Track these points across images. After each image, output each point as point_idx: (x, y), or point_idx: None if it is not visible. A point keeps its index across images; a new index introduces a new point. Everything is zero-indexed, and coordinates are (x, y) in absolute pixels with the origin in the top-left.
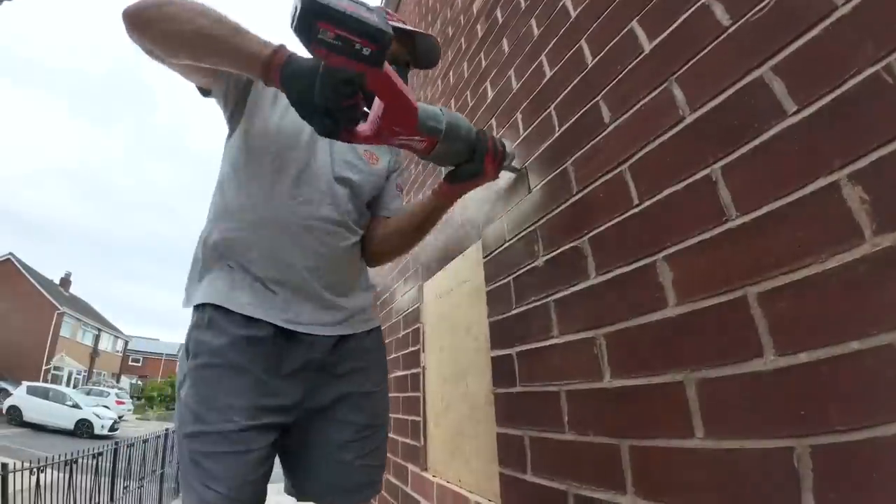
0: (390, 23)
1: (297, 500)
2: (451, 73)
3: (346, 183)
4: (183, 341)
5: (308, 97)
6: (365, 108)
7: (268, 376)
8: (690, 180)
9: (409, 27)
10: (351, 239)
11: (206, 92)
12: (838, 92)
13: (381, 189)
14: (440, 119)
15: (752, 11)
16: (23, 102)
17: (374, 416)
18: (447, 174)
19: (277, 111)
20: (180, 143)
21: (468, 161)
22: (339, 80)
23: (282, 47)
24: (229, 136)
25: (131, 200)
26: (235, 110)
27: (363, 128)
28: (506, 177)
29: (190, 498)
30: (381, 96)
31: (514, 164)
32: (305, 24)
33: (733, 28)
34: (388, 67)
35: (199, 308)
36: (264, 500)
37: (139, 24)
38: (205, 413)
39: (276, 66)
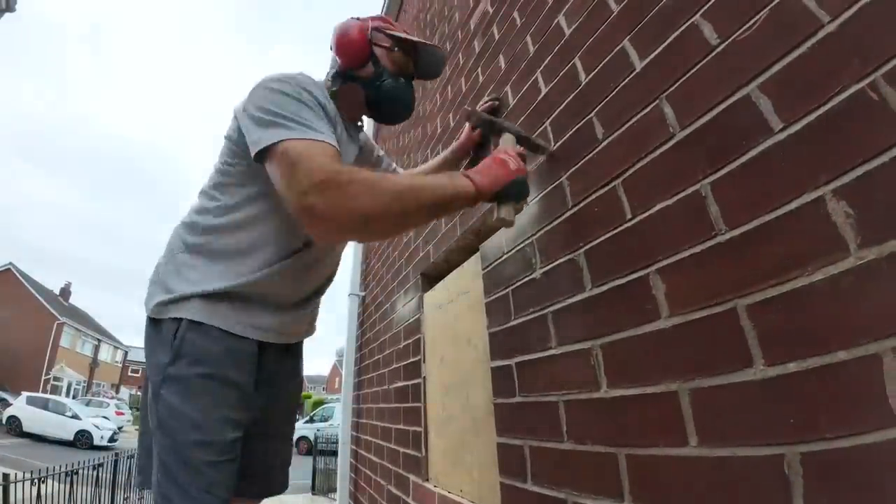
0: (393, 34)
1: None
2: (449, 88)
3: None
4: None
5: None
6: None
7: (250, 389)
8: (681, 195)
9: (412, 38)
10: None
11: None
12: (824, 109)
13: None
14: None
15: (740, 30)
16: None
17: (292, 423)
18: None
19: None
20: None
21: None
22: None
23: (468, 177)
24: (250, 172)
25: (131, 204)
26: None
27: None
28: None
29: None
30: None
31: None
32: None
33: (721, 47)
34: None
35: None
36: None
37: (333, 225)
38: (208, 423)
39: (485, 193)
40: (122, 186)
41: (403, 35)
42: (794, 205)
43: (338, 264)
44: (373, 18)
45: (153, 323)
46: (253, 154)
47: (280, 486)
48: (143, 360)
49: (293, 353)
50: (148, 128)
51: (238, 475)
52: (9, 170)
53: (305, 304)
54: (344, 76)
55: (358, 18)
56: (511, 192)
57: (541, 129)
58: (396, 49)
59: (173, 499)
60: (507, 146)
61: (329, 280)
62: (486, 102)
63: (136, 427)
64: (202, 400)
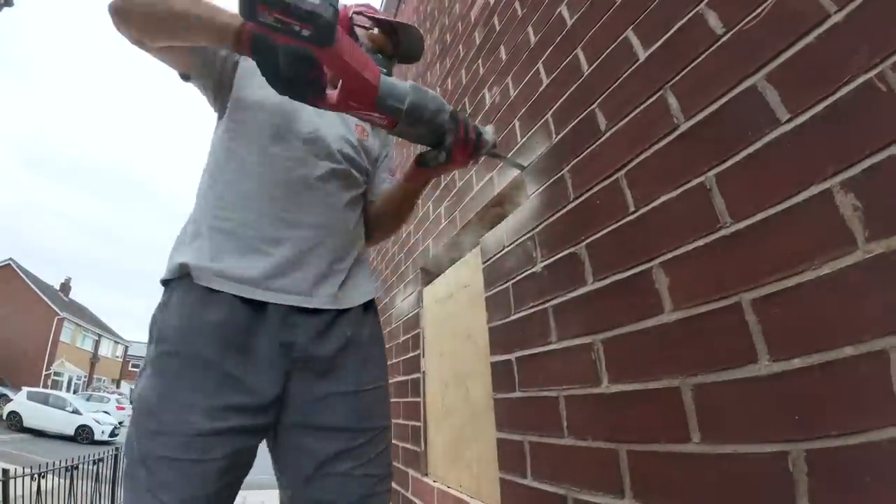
0: (372, 15)
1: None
2: (449, 80)
3: (344, 143)
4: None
5: (274, 67)
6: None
7: (237, 369)
8: (685, 188)
9: (391, 19)
10: (355, 190)
11: (185, 77)
12: (831, 100)
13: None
14: (403, 99)
15: (746, 20)
16: None
17: (370, 417)
18: (416, 157)
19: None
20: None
21: (437, 146)
22: (295, 56)
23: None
24: (219, 119)
25: (132, 203)
26: (220, 89)
27: (330, 94)
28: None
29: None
30: (335, 73)
31: (496, 150)
32: (246, 7)
33: (727, 36)
34: (342, 45)
35: (165, 285)
36: None
37: (122, 14)
38: (161, 410)
39: (246, 37)
40: (121, 189)
41: (380, 16)
42: (800, 197)
43: (332, 201)
44: (357, 5)
45: None
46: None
47: (359, 501)
48: (144, 355)
49: (338, 321)
50: (150, 131)
51: (283, 487)
52: (9, 173)
53: (286, 242)
54: None
55: (344, 6)
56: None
57: (542, 120)
58: (375, 29)
59: (125, 492)
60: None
61: (321, 219)
62: None
63: None
64: (161, 382)
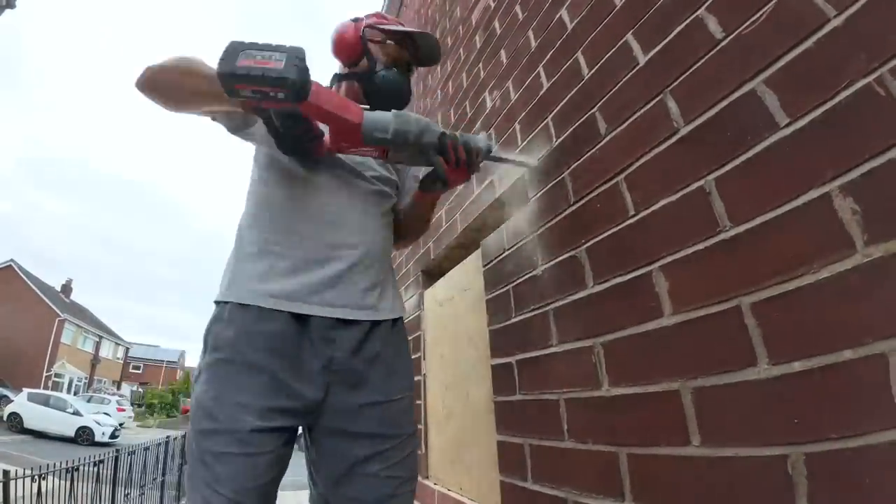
0: (384, 27)
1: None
2: (450, 84)
3: (374, 163)
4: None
5: (275, 129)
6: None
7: (285, 375)
8: (685, 191)
9: (405, 28)
10: (388, 204)
11: (233, 130)
12: (830, 104)
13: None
14: (387, 129)
15: (745, 24)
16: None
17: (397, 425)
18: (420, 180)
19: None
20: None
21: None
22: (283, 116)
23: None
24: (260, 164)
25: (135, 210)
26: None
27: (325, 139)
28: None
29: (194, 499)
30: (320, 121)
31: (497, 154)
32: (227, 88)
33: (726, 41)
34: (318, 96)
35: (220, 301)
36: None
37: (149, 93)
38: (217, 411)
39: (247, 107)
40: (124, 197)
41: (393, 27)
42: (800, 201)
43: (369, 221)
44: (368, 16)
45: None
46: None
47: (384, 499)
48: (145, 357)
49: (370, 337)
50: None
51: (314, 482)
52: (10, 178)
53: (330, 261)
54: (344, 75)
55: (355, 19)
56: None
57: (542, 124)
58: (388, 41)
59: (188, 492)
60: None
61: (360, 238)
62: None
63: (138, 423)
64: (216, 386)
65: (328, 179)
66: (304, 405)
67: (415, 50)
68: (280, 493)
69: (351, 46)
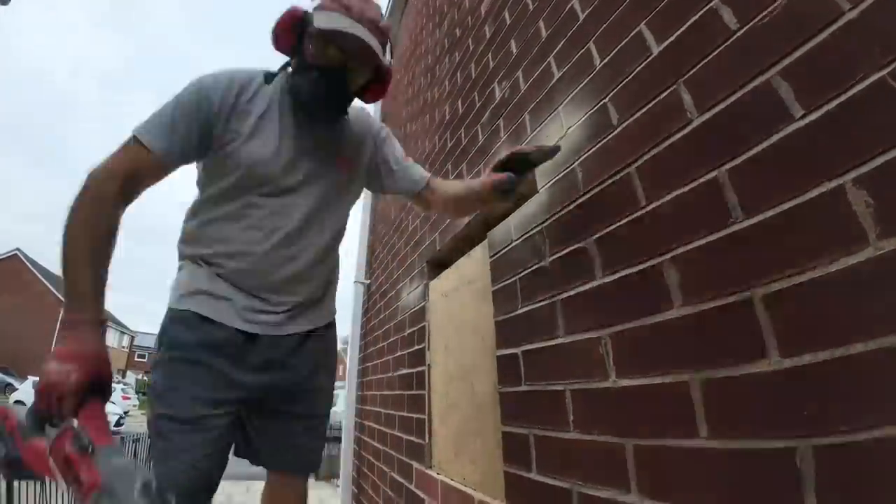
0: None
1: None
2: (458, 74)
3: (327, 218)
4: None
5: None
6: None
7: (230, 370)
8: (697, 182)
9: (331, 27)
10: (343, 222)
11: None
12: (845, 97)
13: (371, 178)
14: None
15: (761, 15)
16: None
17: (321, 407)
18: (494, 185)
19: (263, 141)
20: None
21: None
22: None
23: (69, 322)
24: (204, 168)
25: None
26: (207, 158)
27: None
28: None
29: (159, 467)
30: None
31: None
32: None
33: (741, 32)
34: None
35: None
36: (220, 475)
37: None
38: (174, 400)
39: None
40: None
41: (325, 26)
42: (813, 193)
43: (318, 260)
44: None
45: None
46: None
47: (307, 465)
48: (150, 345)
49: (307, 339)
50: None
51: (245, 443)
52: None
53: (276, 294)
54: (289, 67)
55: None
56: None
57: (553, 114)
58: (313, 36)
59: (153, 462)
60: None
61: (305, 276)
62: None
63: (143, 412)
64: (173, 379)
65: (292, 202)
66: (246, 394)
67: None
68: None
69: (282, 35)
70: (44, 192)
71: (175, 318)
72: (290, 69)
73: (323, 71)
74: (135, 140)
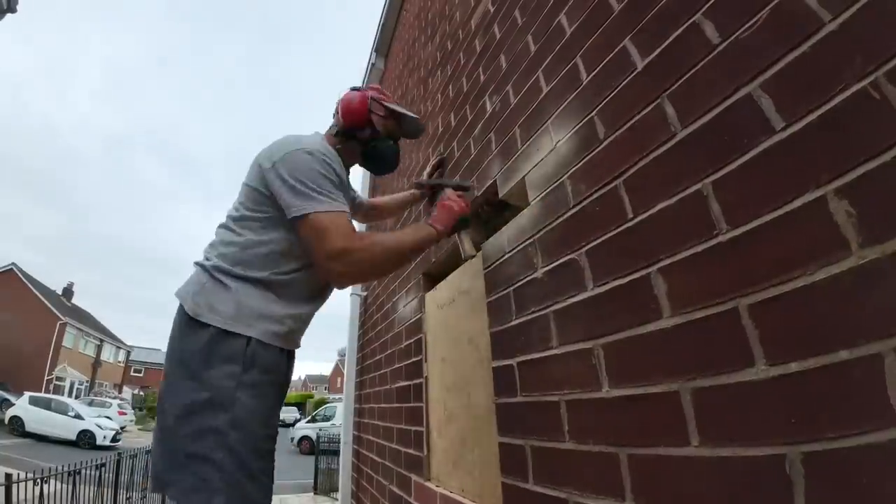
0: (387, 105)
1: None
2: (450, 88)
3: None
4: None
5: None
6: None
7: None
8: (682, 195)
9: (402, 110)
10: None
11: None
12: (825, 108)
13: None
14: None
15: (742, 29)
16: None
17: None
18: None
19: None
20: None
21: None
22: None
23: (431, 225)
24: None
25: (133, 207)
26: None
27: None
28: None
29: (252, 485)
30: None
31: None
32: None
33: (723, 46)
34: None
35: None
36: None
37: (349, 280)
38: (272, 420)
39: (443, 232)
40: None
41: (395, 107)
42: (795, 204)
43: None
44: (370, 88)
45: (220, 335)
46: (289, 217)
47: None
48: (146, 360)
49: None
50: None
51: None
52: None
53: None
54: (346, 135)
55: (357, 89)
56: (459, 226)
57: (542, 128)
58: (389, 117)
59: (244, 484)
60: (448, 193)
61: None
62: (431, 164)
63: (140, 427)
64: (269, 401)
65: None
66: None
67: (403, 127)
68: (284, 497)
69: (358, 114)
70: (48, 226)
71: (263, 344)
72: (347, 136)
73: (395, 140)
74: (332, 213)
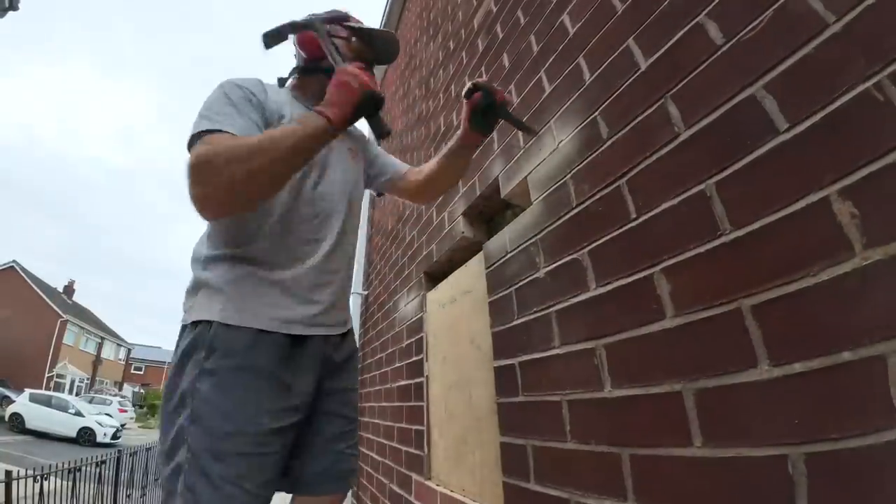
0: (350, 24)
1: (291, 495)
2: (452, 87)
3: (353, 195)
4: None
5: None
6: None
7: (286, 376)
8: (686, 195)
9: (364, 27)
10: (358, 218)
11: None
12: (829, 109)
13: (368, 174)
14: None
15: (745, 30)
16: None
17: (356, 410)
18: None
19: None
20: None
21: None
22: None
23: (320, 113)
24: None
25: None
26: None
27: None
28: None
29: (209, 493)
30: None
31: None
32: None
33: (727, 46)
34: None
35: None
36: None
37: (213, 205)
38: (235, 413)
39: (339, 120)
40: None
41: (357, 25)
42: (799, 205)
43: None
44: (329, 13)
45: (190, 327)
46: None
47: (347, 474)
48: (147, 357)
49: (344, 339)
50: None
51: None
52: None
53: (334, 290)
54: (306, 69)
55: (313, 14)
56: (365, 109)
57: (545, 127)
58: (353, 39)
59: (199, 490)
60: (345, 65)
61: (344, 268)
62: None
63: (140, 424)
64: (230, 390)
65: (316, 211)
66: (302, 400)
67: (374, 47)
68: (285, 496)
69: (317, 41)
70: (57, 240)
71: (225, 325)
72: (308, 70)
73: (367, 64)
74: (209, 132)
